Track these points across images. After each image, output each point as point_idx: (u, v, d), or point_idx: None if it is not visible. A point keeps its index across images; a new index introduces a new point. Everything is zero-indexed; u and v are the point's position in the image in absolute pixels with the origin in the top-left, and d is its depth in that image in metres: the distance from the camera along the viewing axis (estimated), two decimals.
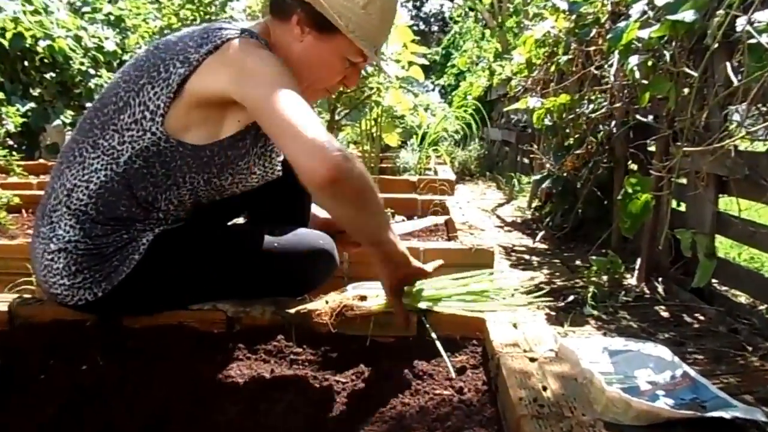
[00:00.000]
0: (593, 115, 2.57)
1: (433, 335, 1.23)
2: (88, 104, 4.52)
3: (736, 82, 1.52)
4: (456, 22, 12.69)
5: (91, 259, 1.22)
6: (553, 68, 3.07)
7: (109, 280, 1.23)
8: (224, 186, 1.32)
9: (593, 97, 2.65)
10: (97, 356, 1.16)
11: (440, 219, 2.30)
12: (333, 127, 3.59)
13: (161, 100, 1.19)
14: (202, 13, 4.40)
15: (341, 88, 1.41)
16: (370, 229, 1.19)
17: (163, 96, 1.19)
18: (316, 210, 1.63)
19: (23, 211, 2.65)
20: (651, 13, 1.83)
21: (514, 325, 1.24)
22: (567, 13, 2.75)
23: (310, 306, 1.30)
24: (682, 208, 2.22)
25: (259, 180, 1.40)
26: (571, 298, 1.97)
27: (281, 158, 1.42)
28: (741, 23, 1.46)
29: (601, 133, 2.65)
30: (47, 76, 4.77)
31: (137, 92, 1.21)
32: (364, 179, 1.12)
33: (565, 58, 2.79)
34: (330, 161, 1.05)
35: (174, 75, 1.19)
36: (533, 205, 3.71)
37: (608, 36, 2.01)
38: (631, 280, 2.19)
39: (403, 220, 2.41)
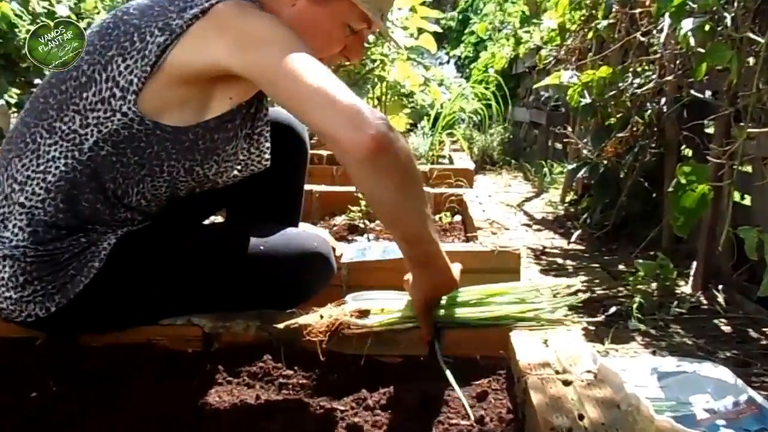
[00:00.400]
0: (639, 91, 2.57)
1: (441, 362, 1.21)
2: (38, 81, 4.56)
3: None
4: None
5: (42, 267, 1.22)
6: (590, 35, 3.06)
7: (63, 292, 1.23)
8: (207, 176, 1.33)
9: (639, 70, 2.64)
10: (50, 381, 1.16)
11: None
12: None
13: (135, 75, 1.19)
14: None
15: (341, 62, 1.41)
16: (412, 220, 1.16)
17: (137, 70, 1.19)
18: (305, 227, 1.66)
19: None
20: None
21: (545, 342, 1.24)
22: None
23: (301, 320, 1.30)
24: (747, 201, 2.21)
25: (244, 169, 1.41)
26: (614, 309, 1.97)
27: (269, 145, 1.43)
28: None
29: (649, 112, 2.64)
30: None
31: (104, 65, 1.21)
32: (410, 154, 1.13)
33: (605, 22, 2.79)
34: (374, 128, 1.06)
35: (152, 45, 1.19)
36: (567, 198, 3.71)
37: None
38: (686, 288, 2.19)
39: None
